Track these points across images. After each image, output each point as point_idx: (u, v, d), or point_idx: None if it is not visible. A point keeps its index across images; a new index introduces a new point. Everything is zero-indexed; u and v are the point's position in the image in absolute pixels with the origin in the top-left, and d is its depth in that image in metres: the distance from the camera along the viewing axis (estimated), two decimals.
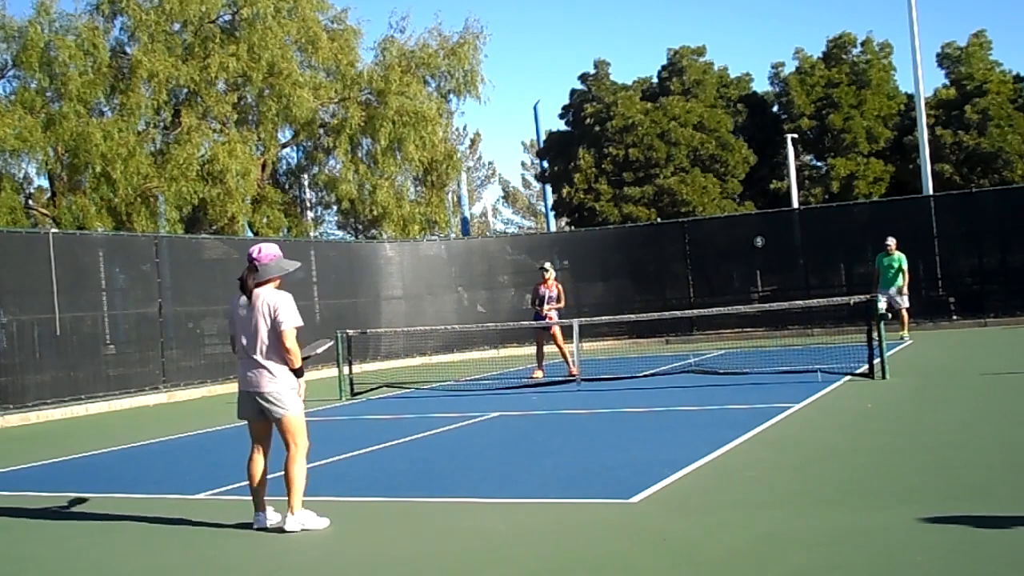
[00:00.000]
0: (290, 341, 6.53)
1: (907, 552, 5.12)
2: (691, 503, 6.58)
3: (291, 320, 6.56)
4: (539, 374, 16.23)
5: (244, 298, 6.72)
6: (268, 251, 6.79)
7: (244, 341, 6.67)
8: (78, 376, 16.89)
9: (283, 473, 6.62)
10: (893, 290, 18.71)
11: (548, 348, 16.63)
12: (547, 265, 17.01)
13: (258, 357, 6.59)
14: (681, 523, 6.07)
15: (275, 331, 6.53)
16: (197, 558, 6.11)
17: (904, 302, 18.98)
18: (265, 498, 6.77)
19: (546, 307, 16.36)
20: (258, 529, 6.65)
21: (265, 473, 6.77)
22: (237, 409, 6.86)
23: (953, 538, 5.32)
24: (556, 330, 16.18)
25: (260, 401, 6.62)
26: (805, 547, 5.35)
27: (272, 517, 6.70)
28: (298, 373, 6.63)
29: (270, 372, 6.58)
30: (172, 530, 6.91)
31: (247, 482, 6.80)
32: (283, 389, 6.59)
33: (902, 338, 18.61)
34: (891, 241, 19.17)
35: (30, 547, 6.76)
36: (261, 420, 6.76)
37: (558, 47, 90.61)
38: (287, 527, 6.51)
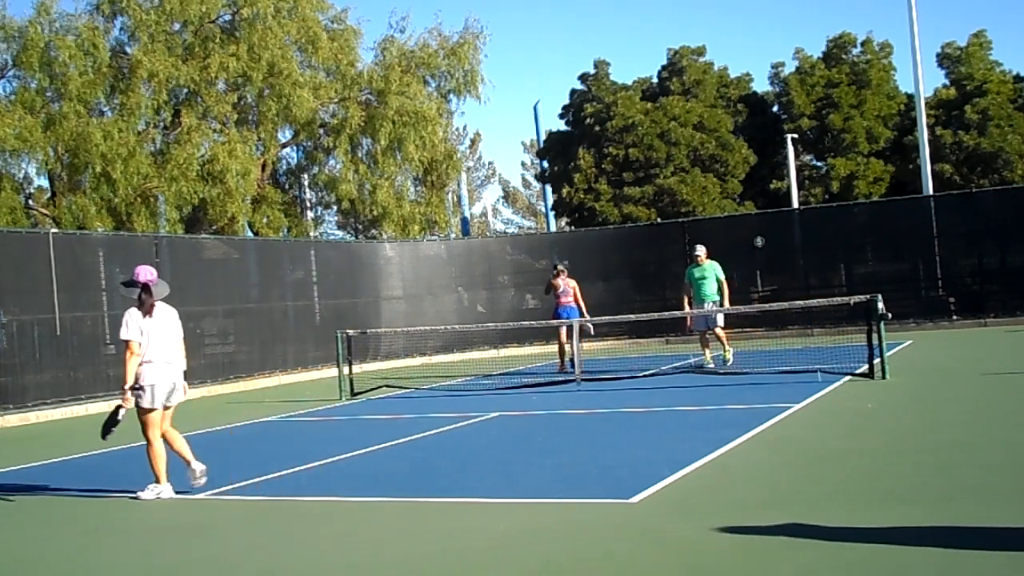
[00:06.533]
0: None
1: (906, 552, 5.12)
2: (691, 503, 6.58)
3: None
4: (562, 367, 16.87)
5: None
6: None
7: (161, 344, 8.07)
8: (78, 376, 16.89)
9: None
10: (709, 305, 15.74)
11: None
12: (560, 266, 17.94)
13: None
14: (681, 523, 6.07)
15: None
16: (197, 558, 6.11)
17: (720, 320, 15.80)
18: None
19: (565, 299, 17.15)
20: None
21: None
22: (157, 399, 8.04)
23: (953, 538, 5.31)
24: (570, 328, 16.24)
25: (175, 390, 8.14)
26: (805, 547, 5.34)
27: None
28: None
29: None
30: (172, 530, 6.92)
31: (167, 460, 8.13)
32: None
33: (726, 361, 15.66)
34: (700, 250, 15.97)
35: (30, 547, 6.76)
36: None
37: (558, 47, 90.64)
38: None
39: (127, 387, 7.86)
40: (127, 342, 7.88)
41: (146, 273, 8.11)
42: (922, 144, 28.09)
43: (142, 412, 7.96)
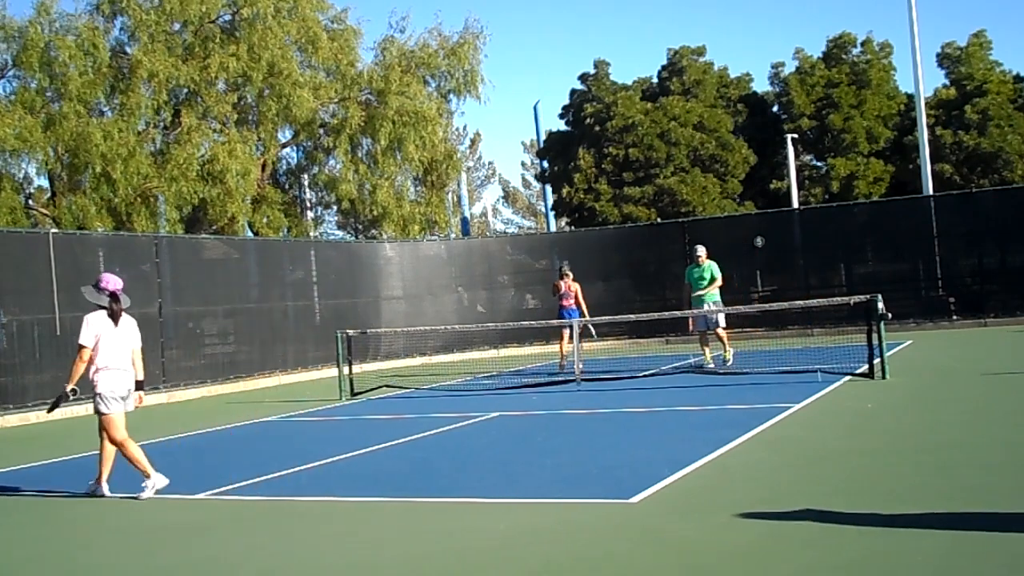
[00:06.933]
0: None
1: (907, 552, 5.12)
2: (691, 503, 6.58)
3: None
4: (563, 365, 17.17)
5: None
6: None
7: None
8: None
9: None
10: (709, 305, 15.74)
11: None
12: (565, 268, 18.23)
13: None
14: (681, 523, 6.07)
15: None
16: (197, 558, 6.11)
17: (721, 320, 15.85)
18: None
19: (567, 301, 17.53)
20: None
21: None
22: (113, 404, 8.13)
23: (953, 538, 5.32)
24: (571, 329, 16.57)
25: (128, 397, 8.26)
26: (805, 547, 5.34)
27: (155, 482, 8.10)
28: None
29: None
30: (172, 530, 6.92)
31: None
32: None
33: (726, 361, 15.60)
34: (701, 251, 15.93)
35: (30, 547, 6.76)
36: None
37: (558, 47, 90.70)
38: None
39: (68, 388, 8.12)
40: (81, 346, 8.05)
41: (114, 282, 8.36)
42: (922, 144, 28.09)
43: (103, 417, 8.10)
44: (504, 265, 27.05)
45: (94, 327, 8.10)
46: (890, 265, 24.93)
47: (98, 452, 8.36)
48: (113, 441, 8.12)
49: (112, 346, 8.14)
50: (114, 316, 8.22)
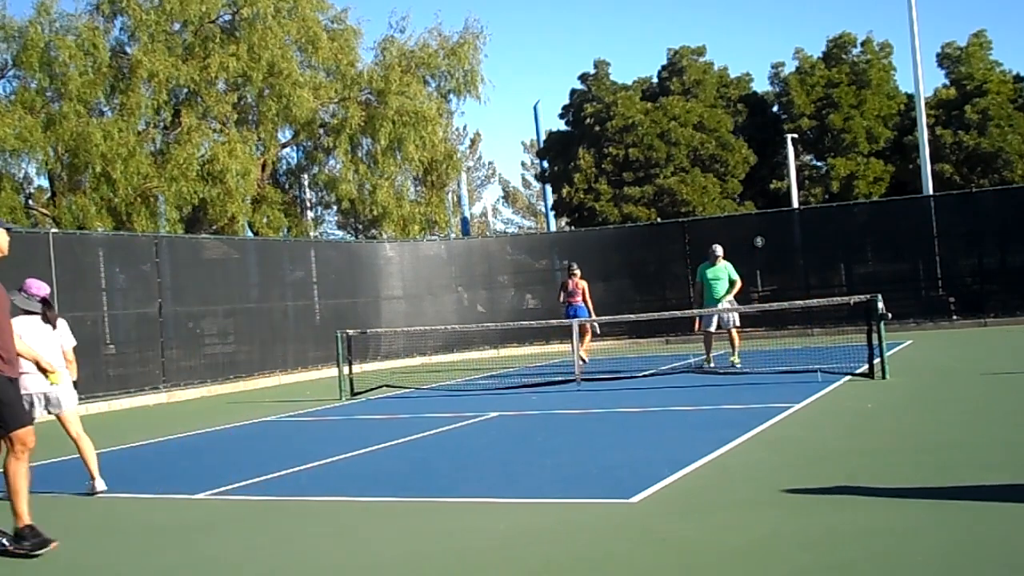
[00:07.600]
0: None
1: (907, 552, 5.12)
2: (691, 503, 6.58)
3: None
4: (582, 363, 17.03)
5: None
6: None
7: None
8: (78, 376, 16.85)
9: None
10: (723, 305, 15.53)
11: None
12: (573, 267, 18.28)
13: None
14: (681, 523, 6.06)
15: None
16: (197, 558, 6.11)
17: (735, 319, 15.66)
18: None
19: (574, 299, 17.73)
20: None
21: None
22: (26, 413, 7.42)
23: (953, 538, 5.32)
24: (584, 326, 16.76)
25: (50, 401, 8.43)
26: (805, 547, 5.34)
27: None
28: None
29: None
30: (172, 530, 6.92)
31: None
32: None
33: (734, 364, 15.42)
34: (719, 250, 15.72)
35: None
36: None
37: (558, 47, 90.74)
38: None
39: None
40: None
41: (43, 288, 8.62)
42: (922, 144, 28.09)
43: None
44: (504, 265, 27.05)
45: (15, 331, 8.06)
46: (890, 265, 24.93)
47: (78, 454, 8.51)
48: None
49: (45, 350, 8.19)
50: (51, 321, 8.44)
